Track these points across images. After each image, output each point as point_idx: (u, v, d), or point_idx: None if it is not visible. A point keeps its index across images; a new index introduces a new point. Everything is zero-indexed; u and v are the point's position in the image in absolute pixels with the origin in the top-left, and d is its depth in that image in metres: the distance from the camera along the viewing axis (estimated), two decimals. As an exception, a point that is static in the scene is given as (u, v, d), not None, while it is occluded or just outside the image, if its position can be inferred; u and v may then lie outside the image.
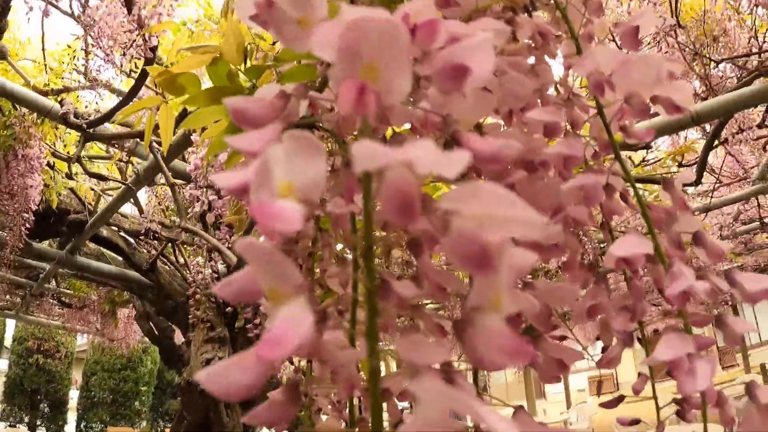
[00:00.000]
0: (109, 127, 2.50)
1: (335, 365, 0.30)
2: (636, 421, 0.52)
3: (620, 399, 0.44)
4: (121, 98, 2.39)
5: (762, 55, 2.10)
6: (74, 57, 2.37)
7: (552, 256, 0.42)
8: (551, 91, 0.44)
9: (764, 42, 2.23)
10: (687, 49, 2.51)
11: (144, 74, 1.99)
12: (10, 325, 9.76)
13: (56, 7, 2.33)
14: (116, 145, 2.72)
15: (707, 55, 2.44)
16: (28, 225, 2.63)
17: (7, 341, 9.82)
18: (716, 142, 2.70)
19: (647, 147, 2.80)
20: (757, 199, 3.33)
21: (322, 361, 0.31)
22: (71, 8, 2.25)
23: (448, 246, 0.22)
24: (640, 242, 0.37)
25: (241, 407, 3.57)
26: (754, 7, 1.96)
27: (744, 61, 2.47)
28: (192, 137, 2.06)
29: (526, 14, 0.44)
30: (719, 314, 0.38)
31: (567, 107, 0.42)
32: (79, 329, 5.04)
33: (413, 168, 0.19)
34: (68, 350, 9.42)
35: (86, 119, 2.29)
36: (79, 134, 2.33)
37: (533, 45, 0.43)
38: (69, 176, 2.78)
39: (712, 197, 3.26)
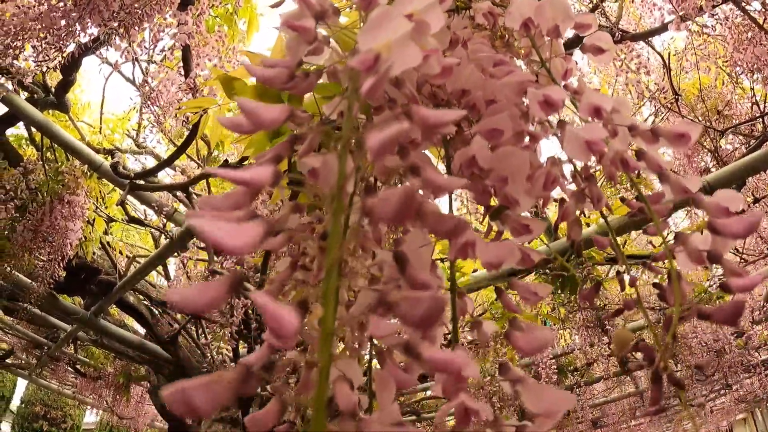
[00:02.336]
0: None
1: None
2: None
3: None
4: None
5: (766, 119, 2.22)
6: (134, 109, 2.59)
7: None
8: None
9: (766, 106, 2.36)
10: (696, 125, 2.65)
11: (194, 131, 2.14)
12: (20, 387, 9.47)
13: (120, 73, 2.60)
14: (155, 208, 2.85)
15: (714, 128, 2.57)
16: (60, 269, 2.70)
17: (15, 403, 9.42)
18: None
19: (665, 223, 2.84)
20: (785, 277, 3.27)
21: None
22: (133, 75, 2.50)
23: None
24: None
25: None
26: (750, 74, 2.10)
27: (750, 129, 2.59)
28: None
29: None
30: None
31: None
32: (89, 402, 4.90)
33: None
34: (75, 423, 9.00)
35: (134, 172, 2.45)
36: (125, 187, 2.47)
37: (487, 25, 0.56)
38: (106, 232, 2.90)
39: (737, 276, 3.21)
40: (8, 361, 4.75)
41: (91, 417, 9.29)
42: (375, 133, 0.29)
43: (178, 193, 2.61)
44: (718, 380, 4.08)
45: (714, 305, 0.42)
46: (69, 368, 4.43)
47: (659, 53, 2.35)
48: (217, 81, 1.94)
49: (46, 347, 4.14)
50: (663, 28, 2.11)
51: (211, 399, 0.25)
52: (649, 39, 2.32)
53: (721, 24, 2.05)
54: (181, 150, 1.89)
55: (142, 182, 2.48)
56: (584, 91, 0.51)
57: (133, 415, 4.66)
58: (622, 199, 0.52)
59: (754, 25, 1.95)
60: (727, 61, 2.16)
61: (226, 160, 1.82)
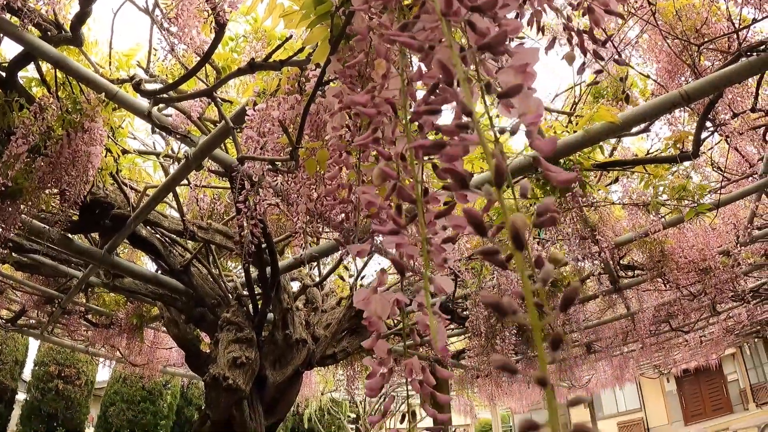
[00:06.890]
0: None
1: None
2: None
3: None
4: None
5: (740, 35, 2.41)
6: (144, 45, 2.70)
7: None
8: None
9: (740, 24, 2.56)
10: (674, 40, 2.85)
11: (217, 40, 2.24)
12: (32, 350, 9.57)
13: (132, 2, 2.71)
14: (169, 130, 2.95)
15: (692, 42, 2.76)
16: (77, 203, 2.80)
17: (28, 366, 9.51)
18: (710, 125, 2.94)
19: (646, 130, 3.05)
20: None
21: None
22: (146, 2, 2.61)
23: None
24: None
25: (264, 408, 3.52)
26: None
27: (728, 47, 2.78)
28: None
29: None
30: None
31: None
32: (102, 354, 5.02)
33: None
34: (89, 378, 9.18)
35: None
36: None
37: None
38: (125, 152, 3.03)
39: (720, 194, 3.42)
40: (20, 322, 4.86)
41: (104, 374, 9.45)
42: None
43: (193, 116, 2.75)
44: (706, 306, 4.28)
45: None
46: (81, 320, 4.54)
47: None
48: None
49: (57, 300, 4.25)
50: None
51: None
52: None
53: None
54: (212, 48, 2.03)
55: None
56: None
57: (145, 361, 4.80)
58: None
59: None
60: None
61: (253, 59, 1.96)
